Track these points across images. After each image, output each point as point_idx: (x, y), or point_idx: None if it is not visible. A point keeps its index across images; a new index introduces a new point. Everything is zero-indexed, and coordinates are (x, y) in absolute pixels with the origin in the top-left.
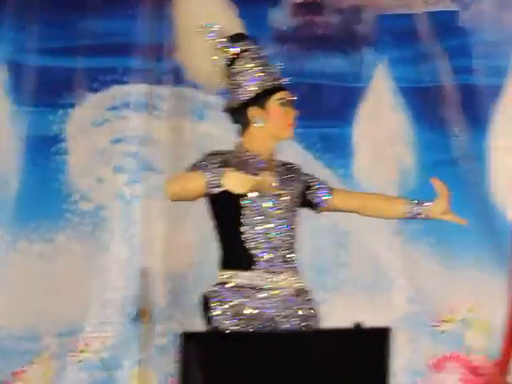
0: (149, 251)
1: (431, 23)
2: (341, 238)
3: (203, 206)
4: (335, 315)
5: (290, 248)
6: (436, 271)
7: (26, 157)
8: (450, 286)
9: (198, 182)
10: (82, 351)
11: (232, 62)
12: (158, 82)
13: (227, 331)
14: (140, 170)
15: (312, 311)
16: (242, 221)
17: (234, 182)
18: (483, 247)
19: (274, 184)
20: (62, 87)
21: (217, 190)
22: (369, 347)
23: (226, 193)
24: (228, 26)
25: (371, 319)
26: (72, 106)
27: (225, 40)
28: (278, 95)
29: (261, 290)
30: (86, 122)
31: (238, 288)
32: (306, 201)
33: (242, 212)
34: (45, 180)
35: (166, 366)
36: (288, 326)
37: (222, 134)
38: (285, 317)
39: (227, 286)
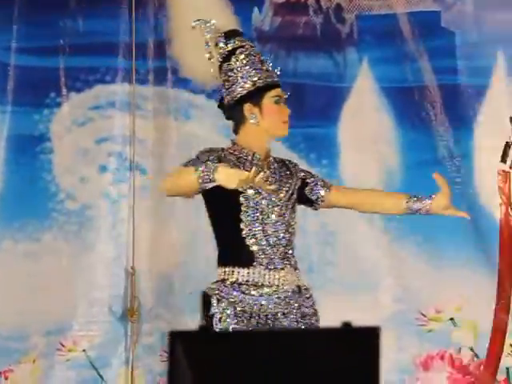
0: (135, 250)
1: (414, 23)
2: (328, 237)
3: (189, 206)
4: (322, 314)
5: (289, 244)
6: (423, 270)
7: (10, 156)
8: (437, 285)
9: (190, 178)
10: (69, 350)
11: (226, 58)
12: (141, 81)
13: (217, 330)
14: (125, 169)
15: (313, 308)
16: (241, 217)
17: (225, 176)
18: (470, 246)
19: (262, 178)
20: (47, 86)
21: (209, 186)
22: (358, 346)
23: (224, 190)
24: (223, 22)
25: (358, 318)
26: (57, 105)
27: (220, 36)
28: (272, 92)
29: (261, 286)
30: (70, 121)
31: (238, 285)
32: (304, 197)
33: (241, 209)
34: (30, 179)
35: (154, 365)
36: (288, 323)
37: (207, 133)
38: (285, 314)
39: (227, 282)
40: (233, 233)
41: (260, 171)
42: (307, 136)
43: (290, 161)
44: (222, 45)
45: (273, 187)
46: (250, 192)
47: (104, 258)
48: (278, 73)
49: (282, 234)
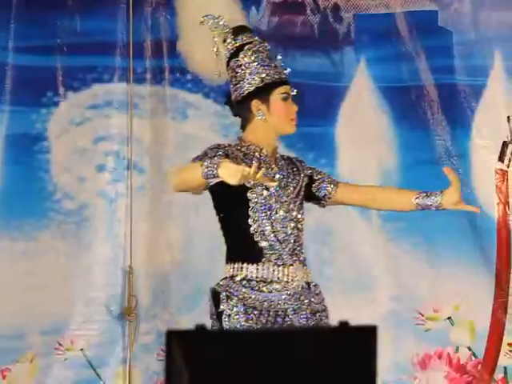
0: (132, 250)
1: (411, 23)
2: (325, 235)
3: (186, 205)
4: None
5: (298, 241)
6: (421, 269)
7: (8, 155)
8: (434, 285)
9: (195, 173)
10: (67, 349)
11: (234, 54)
12: (139, 80)
13: (226, 327)
14: (122, 168)
15: (322, 305)
16: (249, 213)
17: (227, 172)
18: (468, 246)
19: (263, 174)
20: (45, 86)
21: (213, 181)
22: (355, 345)
23: (232, 186)
24: (231, 18)
25: (355, 317)
26: (54, 104)
27: (228, 32)
28: (280, 89)
29: (270, 282)
30: (67, 120)
31: (247, 281)
32: (311, 194)
33: (249, 205)
34: (28, 178)
35: (151, 364)
36: (298, 319)
37: (204, 133)
38: (295, 310)
39: (236, 279)
40: (241, 229)
41: (262, 167)
42: (305, 135)
43: (297, 158)
44: (229, 41)
45: (275, 183)
46: (258, 188)
47: (101, 257)
48: (287, 72)
49: (290, 231)
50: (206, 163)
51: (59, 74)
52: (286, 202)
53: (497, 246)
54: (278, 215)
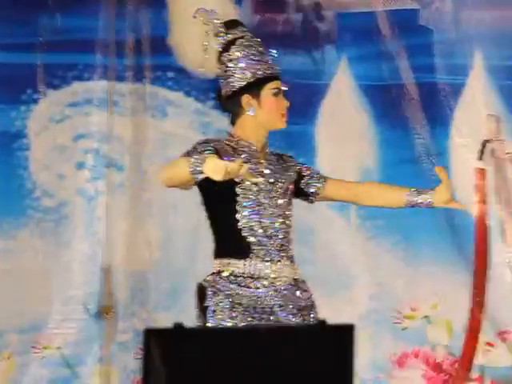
0: (111, 248)
1: (392, 21)
2: (304, 234)
3: (165, 204)
4: None
5: (286, 237)
6: (399, 268)
7: None
8: (412, 283)
9: (184, 169)
10: (44, 348)
11: (226, 48)
12: (119, 78)
13: (210, 323)
14: (102, 166)
15: (310, 301)
16: (237, 208)
17: (212, 167)
18: (446, 245)
19: (247, 169)
20: (24, 83)
21: (200, 177)
22: (333, 344)
23: (221, 181)
24: (223, 12)
25: (333, 316)
26: (34, 102)
27: (219, 26)
28: (271, 84)
29: (257, 278)
30: (47, 118)
31: (234, 277)
32: (300, 190)
33: (238, 200)
34: (7, 176)
35: (129, 363)
36: (285, 315)
37: (184, 131)
38: (282, 306)
39: (223, 274)
40: (229, 224)
41: (246, 162)
42: (284, 133)
43: (286, 154)
44: (221, 35)
45: (260, 179)
46: (247, 183)
47: (80, 255)
48: (278, 67)
49: (278, 226)
50: (193, 159)
51: (39, 71)
52: (274, 197)
53: (475, 245)
54: (266, 211)
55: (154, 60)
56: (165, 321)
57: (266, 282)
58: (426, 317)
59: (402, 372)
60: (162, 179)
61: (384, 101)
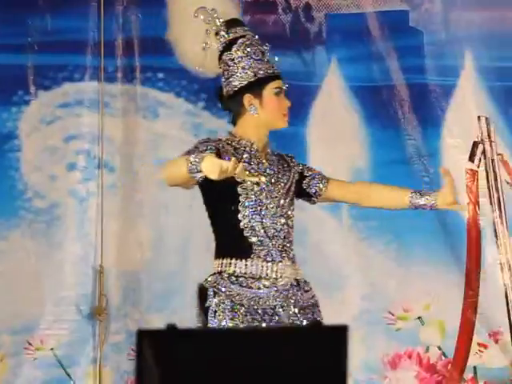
0: (103, 249)
1: (382, 23)
2: (298, 235)
3: (157, 204)
4: None
5: (288, 237)
6: (391, 269)
7: None
8: (405, 284)
9: (182, 168)
10: (37, 349)
11: (227, 48)
12: (110, 79)
13: (211, 324)
14: (93, 167)
15: (313, 300)
16: (239, 208)
17: (208, 166)
18: (439, 246)
19: (242, 168)
20: (15, 84)
21: (199, 175)
22: (326, 345)
23: (222, 180)
24: (224, 11)
25: (326, 317)
26: (25, 103)
27: (220, 25)
28: (273, 84)
29: (259, 279)
30: (38, 119)
31: (236, 277)
32: (302, 191)
33: (239, 199)
34: None
35: (121, 364)
36: (287, 315)
37: (175, 132)
38: (283, 307)
39: (224, 274)
40: (231, 224)
41: (239, 161)
42: (275, 135)
43: (287, 154)
44: (222, 34)
45: (256, 178)
46: (248, 183)
47: (72, 256)
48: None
49: (280, 227)
50: (191, 158)
51: (30, 72)
52: (276, 197)
53: (467, 246)
54: (268, 211)
55: (144, 61)
56: (157, 321)
57: (267, 283)
58: (418, 318)
59: (395, 373)
60: (163, 178)
61: (375, 102)
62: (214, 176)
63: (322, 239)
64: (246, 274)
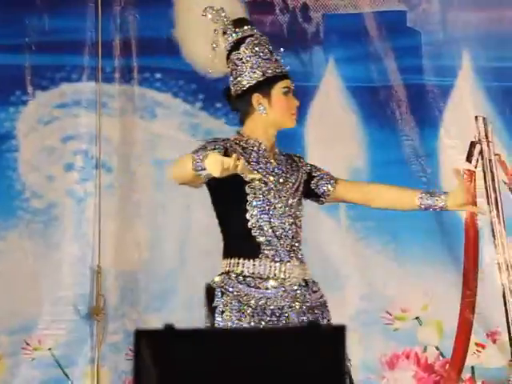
0: (101, 249)
1: (380, 23)
2: None
3: (154, 204)
4: None
5: (296, 237)
6: (389, 269)
7: None
8: (403, 284)
9: (187, 165)
10: (34, 349)
11: (235, 47)
12: (107, 80)
13: (218, 324)
14: (91, 168)
15: (322, 300)
16: (247, 208)
17: (211, 163)
18: (436, 246)
19: (244, 164)
20: (13, 84)
21: (204, 173)
22: (324, 345)
23: (230, 179)
24: (232, 10)
25: None
26: (23, 103)
27: (228, 24)
28: (281, 83)
29: (267, 279)
30: (35, 119)
31: (243, 277)
32: (310, 191)
33: (247, 199)
34: None
35: (119, 364)
36: (296, 315)
37: (172, 132)
38: (291, 307)
39: (232, 275)
40: (238, 224)
41: (240, 157)
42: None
43: (295, 154)
44: (230, 33)
45: (258, 176)
46: (256, 182)
47: (70, 256)
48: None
49: (288, 226)
50: (196, 155)
51: (28, 72)
52: (284, 197)
53: (464, 246)
54: (276, 210)
55: (141, 61)
56: (155, 322)
57: (275, 283)
58: (416, 318)
59: (393, 373)
60: (171, 176)
61: (372, 102)
62: (216, 173)
63: (319, 239)
64: (253, 274)
